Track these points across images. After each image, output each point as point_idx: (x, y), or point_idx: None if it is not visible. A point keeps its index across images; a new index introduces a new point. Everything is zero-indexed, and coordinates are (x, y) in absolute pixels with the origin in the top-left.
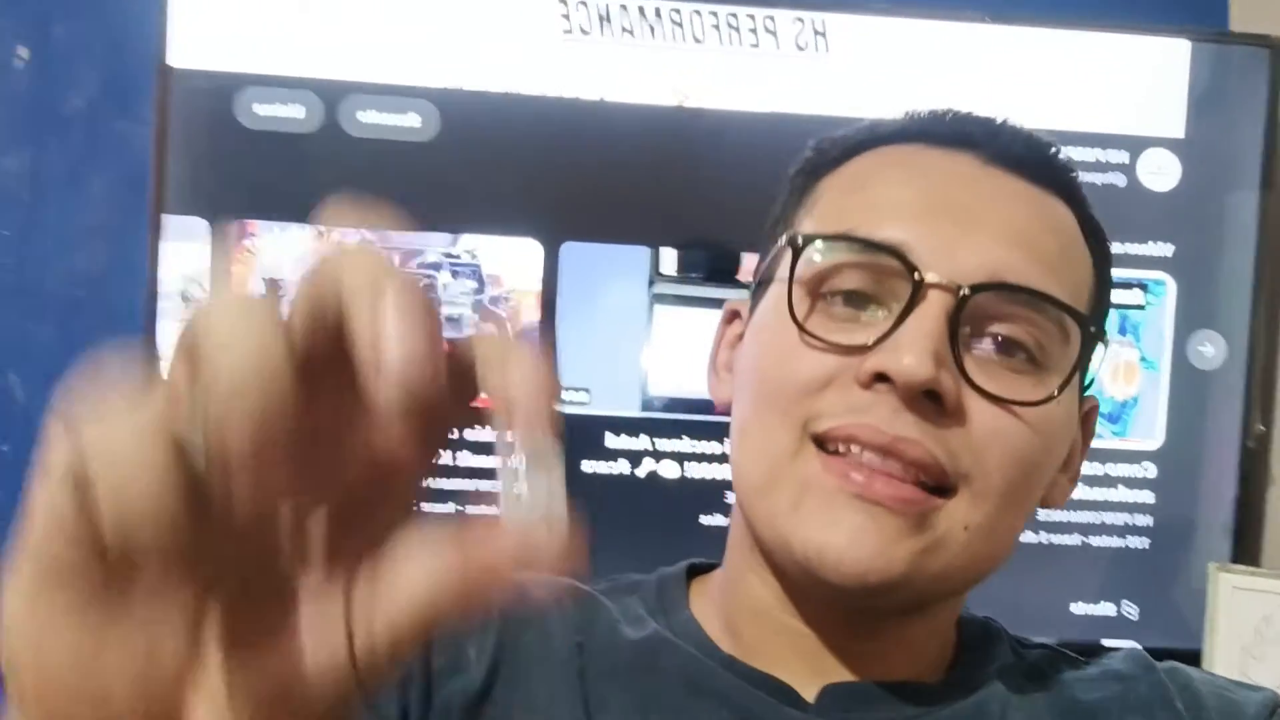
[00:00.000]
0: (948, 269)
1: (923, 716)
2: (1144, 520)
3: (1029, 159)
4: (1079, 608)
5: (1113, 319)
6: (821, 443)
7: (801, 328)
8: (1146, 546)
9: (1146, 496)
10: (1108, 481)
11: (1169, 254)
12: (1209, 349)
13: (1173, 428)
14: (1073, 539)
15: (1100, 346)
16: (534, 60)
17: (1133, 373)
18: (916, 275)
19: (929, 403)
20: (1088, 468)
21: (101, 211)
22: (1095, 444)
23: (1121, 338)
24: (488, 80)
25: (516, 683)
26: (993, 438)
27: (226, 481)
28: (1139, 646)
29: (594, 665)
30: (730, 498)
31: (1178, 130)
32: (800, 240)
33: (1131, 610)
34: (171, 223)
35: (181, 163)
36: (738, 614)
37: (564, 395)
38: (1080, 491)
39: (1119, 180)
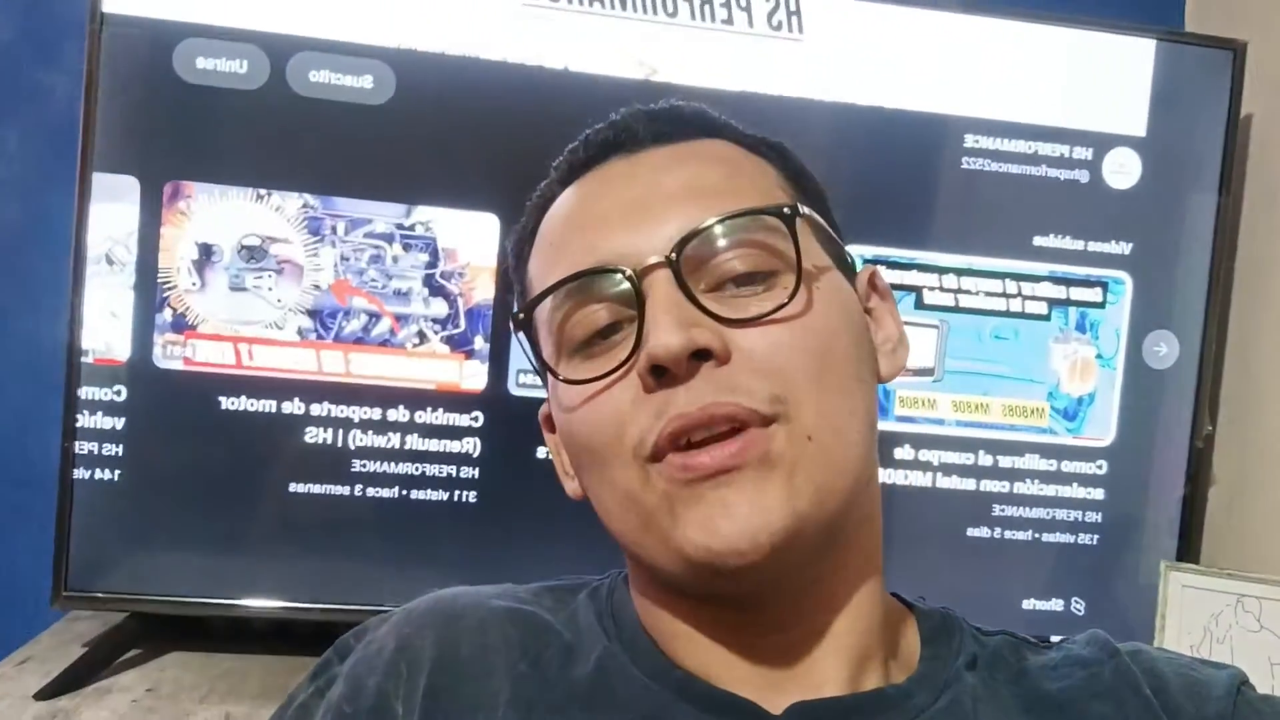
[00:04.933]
0: (650, 250)
1: None
2: (1094, 517)
3: (660, 126)
4: (1029, 604)
5: (1071, 316)
6: (659, 459)
7: (572, 381)
8: (1095, 543)
9: (1097, 493)
10: (1061, 478)
11: (1127, 252)
12: (1163, 349)
13: (1124, 426)
14: (1025, 535)
15: (817, 217)
16: (497, 24)
17: (1089, 370)
18: (628, 271)
19: (706, 363)
20: (1042, 464)
21: (20, 167)
22: (1050, 440)
23: (1079, 335)
24: (447, 43)
25: None
26: (773, 354)
27: None
28: (1099, 632)
29: (544, 699)
30: None
31: (1139, 129)
32: (521, 316)
33: (1079, 606)
34: (100, 181)
35: (113, 117)
36: (673, 641)
37: (520, 380)
38: (1034, 488)
39: (1082, 176)
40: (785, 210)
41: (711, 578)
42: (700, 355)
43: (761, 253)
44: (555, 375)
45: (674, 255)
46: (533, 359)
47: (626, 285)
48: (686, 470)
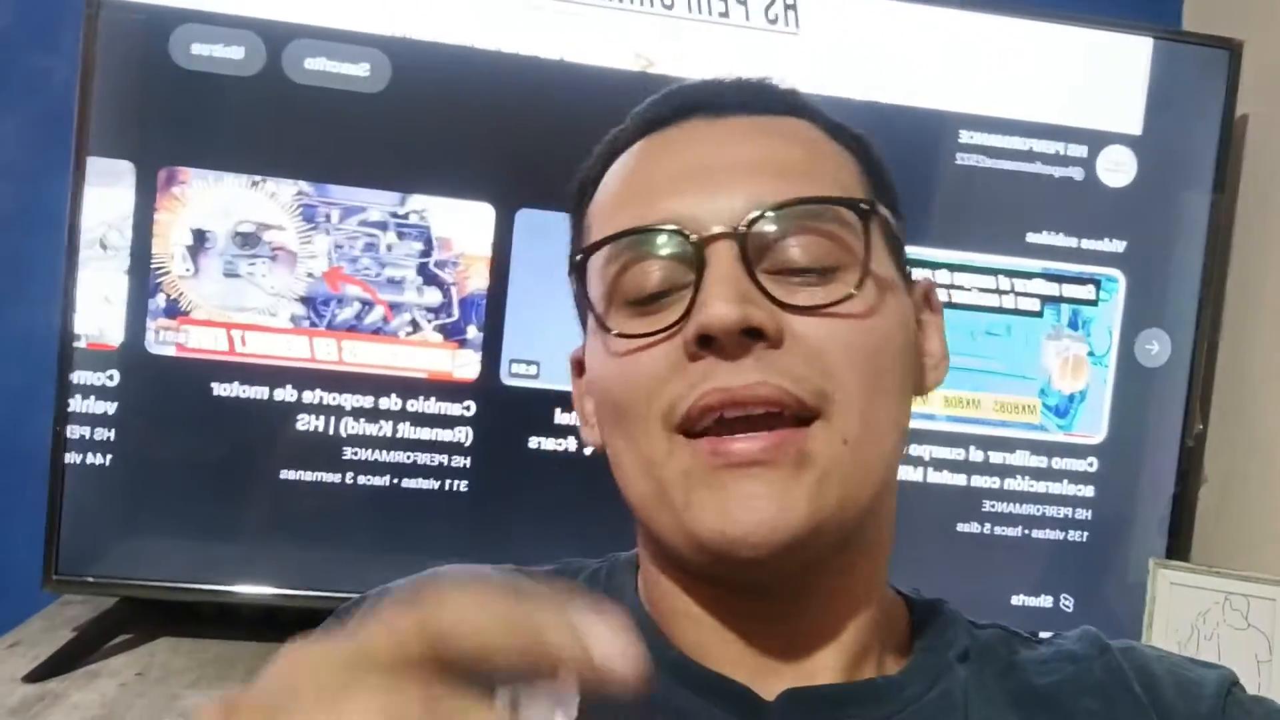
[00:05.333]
0: (719, 219)
1: (892, 717)
2: (1084, 514)
3: (749, 96)
4: (1018, 599)
5: (1064, 314)
6: (688, 430)
7: (617, 335)
8: (1085, 540)
9: (1088, 491)
10: (1051, 474)
11: (1121, 250)
12: (1154, 347)
13: (1116, 423)
14: (1015, 531)
15: (890, 220)
16: (493, 14)
17: (1081, 367)
18: (694, 237)
19: (756, 342)
20: (1033, 460)
21: (15, 151)
22: (1042, 436)
23: (1072, 332)
24: (443, 32)
25: None
26: (826, 346)
27: None
28: (1091, 628)
29: None
30: None
31: (1135, 127)
32: (580, 260)
33: (1068, 603)
34: (95, 165)
35: (108, 102)
36: (671, 618)
37: (512, 370)
38: (1024, 484)
39: (1077, 174)
40: (862, 206)
41: (718, 562)
42: (752, 334)
43: (830, 244)
44: (603, 325)
45: (742, 229)
46: (580, 303)
47: (688, 249)
48: (716, 456)
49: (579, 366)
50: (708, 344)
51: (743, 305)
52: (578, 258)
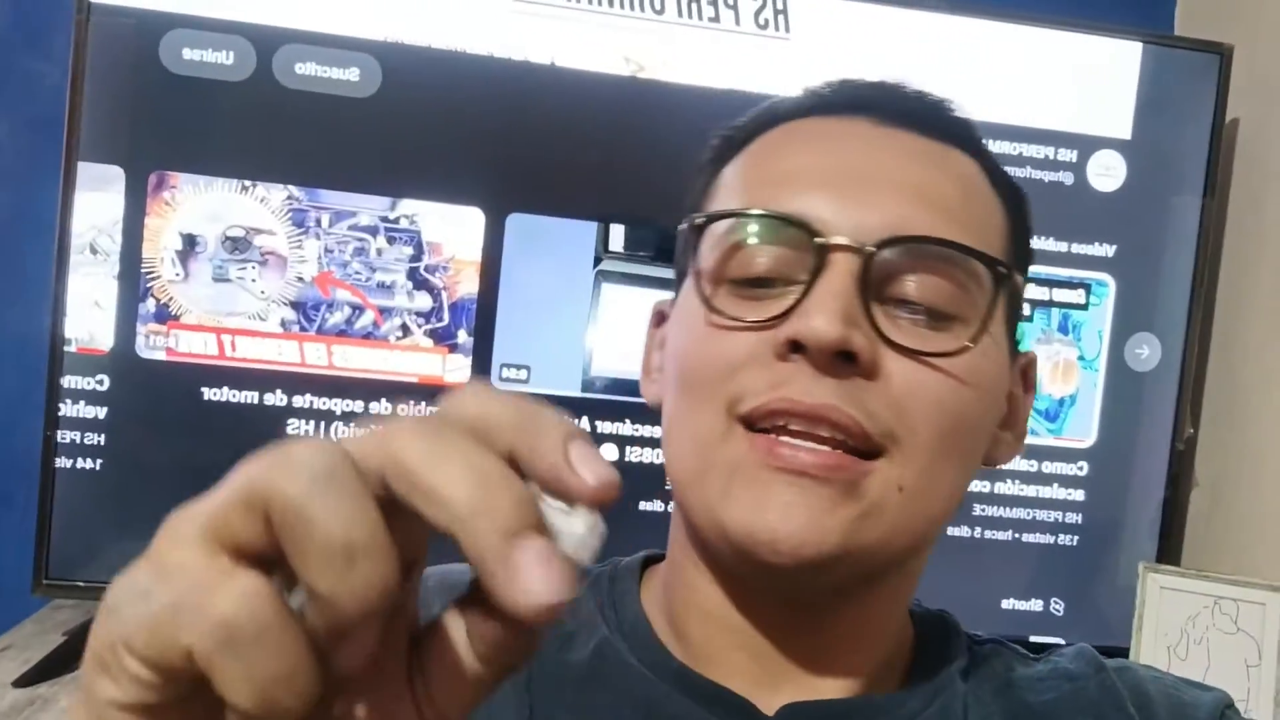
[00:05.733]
0: (850, 230)
1: None
2: (1074, 518)
3: (924, 114)
4: (1008, 603)
5: (1054, 318)
6: (749, 423)
7: (712, 308)
8: (1075, 544)
9: (1078, 495)
10: (1041, 479)
11: (1110, 254)
12: (1144, 351)
13: (1106, 427)
14: (1005, 535)
15: (1019, 286)
16: (484, 18)
17: (1071, 371)
18: (819, 240)
19: (846, 365)
20: (1023, 464)
21: (5, 156)
22: (1031, 441)
23: (1062, 337)
24: (433, 36)
25: None
26: (914, 393)
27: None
28: (1087, 646)
29: (540, 677)
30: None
31: (1124, 131)
32: (700, 222)
33: (1059, 607)
34: (86, 170)
35: (99, 107)
36: (683, 612)
37: (503, 374)
38: (1014, 488)
39: (1067, 179)
40: (1000, 268)
41: (738, 560)
42: (846, 357)
43: (954, 293)
44: (703, 295)
45: (870, 248)
46: (681, 259)
47: (809, 250)
48: (771, 457)
49: (660, 316)
50: (799, 350)
51: (846, 326)
52: (699, 220)
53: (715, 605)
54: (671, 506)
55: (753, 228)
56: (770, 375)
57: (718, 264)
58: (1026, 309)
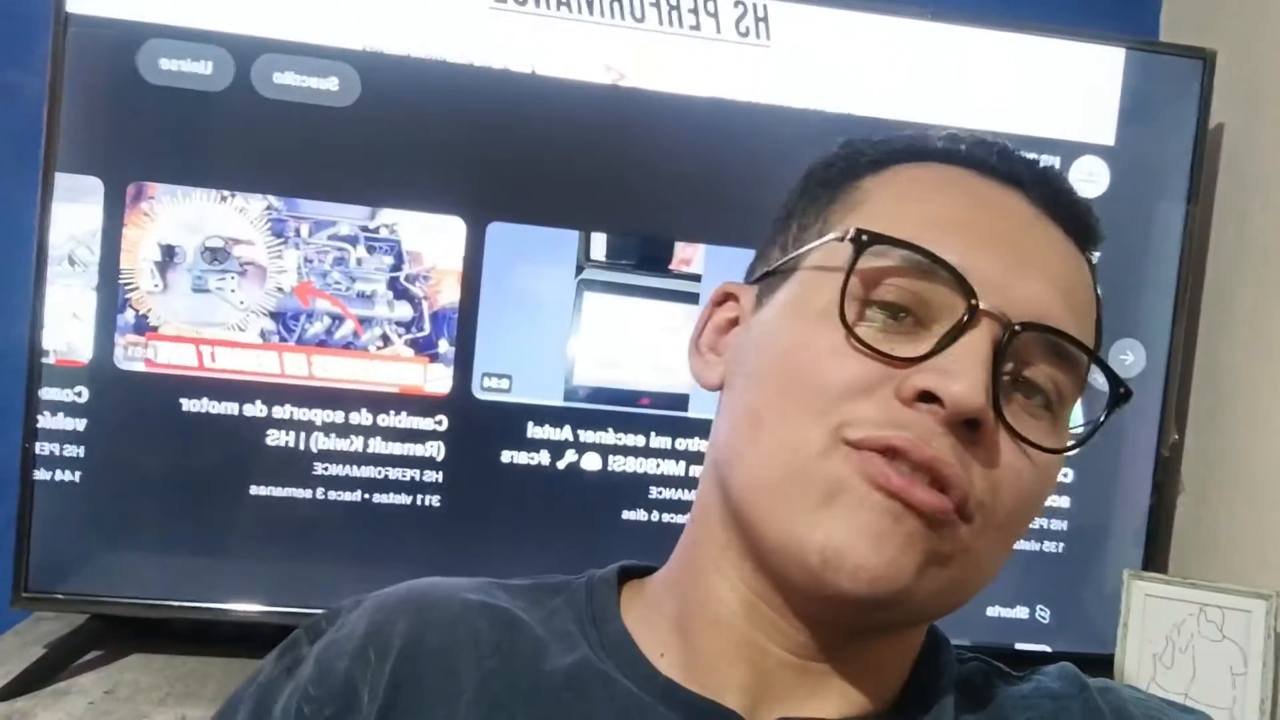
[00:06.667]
0: (1001, 301)
1: None
2: (1060, 525)
3: (1070, 213)
4: (994, 610)
5: None
6: (855, 447)
7: (851, 331)
8: (1061, 551)
9: (1063, 502)
10: None
11: (1094, 261)
12: (1129, 357)
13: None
14: None
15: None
16: (463, 27)
17: None
18: (974, 300)
19: (966, 430)
20: None
21: None
22: None
23: None
24: (413, 45)
25: None
26: (1009, 474)
27: None
28: (1070, 665)
29: (511, 694)
30: (654, 493)
31: (1108, 137)
32: (865, 238)
33: (1044, 614)
34: (63, 181)
35: (76, 118)
36: (693, 620)
37: (484, 384)
38: None
39: None
40: (1121, 390)
41: (802, 575)
42: (970, 424)
43: (1064, 394)
44: (845, 317)
45: (1018, 327)
46: (796, 259)
47: (961, 305)
48: (885, 480)
49: (728, 296)
50: (929, 401)
51: (986, 397)
52: (853, 232)
53: (730, 615)
54: (697, 510)
55: (916, 260)
56: (888, 413)
57: (863, 282)
58: None
